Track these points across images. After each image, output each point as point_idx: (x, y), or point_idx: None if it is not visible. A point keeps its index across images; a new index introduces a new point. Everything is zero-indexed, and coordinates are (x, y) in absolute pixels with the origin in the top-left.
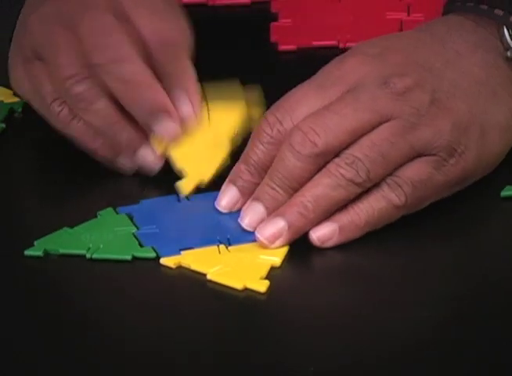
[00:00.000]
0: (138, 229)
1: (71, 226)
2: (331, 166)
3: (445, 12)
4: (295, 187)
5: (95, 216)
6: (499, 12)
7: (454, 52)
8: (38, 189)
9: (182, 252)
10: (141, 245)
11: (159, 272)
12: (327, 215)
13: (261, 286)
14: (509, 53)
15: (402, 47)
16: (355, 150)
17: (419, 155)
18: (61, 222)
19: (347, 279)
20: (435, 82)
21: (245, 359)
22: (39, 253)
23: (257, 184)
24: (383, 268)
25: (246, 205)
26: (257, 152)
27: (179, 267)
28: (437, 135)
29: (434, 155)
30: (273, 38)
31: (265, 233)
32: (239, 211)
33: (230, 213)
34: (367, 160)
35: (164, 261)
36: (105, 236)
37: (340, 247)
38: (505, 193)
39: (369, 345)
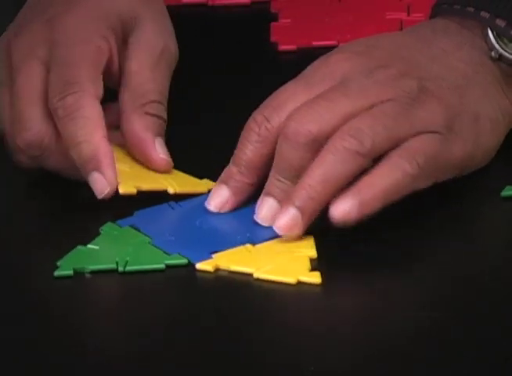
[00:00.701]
0: (151, 239)
1: (84, 244)
2: (334, 141)
3: (432, 16)
4: (300, 176)
5: (98, 231)
6: (485, 14)
7: (440, 50)
8: (37, 192)
9: (213, 255)
10: (166, 254)
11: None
12: (337, 192)
13: (315, 277)
14: (493, 53)
15: (387, 45)
16: (357, 122)
17: (418, 134)
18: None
19: (347, 279)
20: (422, 73)
21: (245, 359)
22: (69, 272)
23: (250, 184)
24: (382, 268)
25: (259, 201)
26: (246, 151)
27: (216, 270)
28: (432, 117)
29: (435, 132)
30: (273, 38)
31: (280, 224)
32: (239, 211)
33: (232, 213)
34: (371, 130)
35: (200, 266)
36: (124, 250)
37: (341, 248)
38: (505, 193)
39: (369, 345)
